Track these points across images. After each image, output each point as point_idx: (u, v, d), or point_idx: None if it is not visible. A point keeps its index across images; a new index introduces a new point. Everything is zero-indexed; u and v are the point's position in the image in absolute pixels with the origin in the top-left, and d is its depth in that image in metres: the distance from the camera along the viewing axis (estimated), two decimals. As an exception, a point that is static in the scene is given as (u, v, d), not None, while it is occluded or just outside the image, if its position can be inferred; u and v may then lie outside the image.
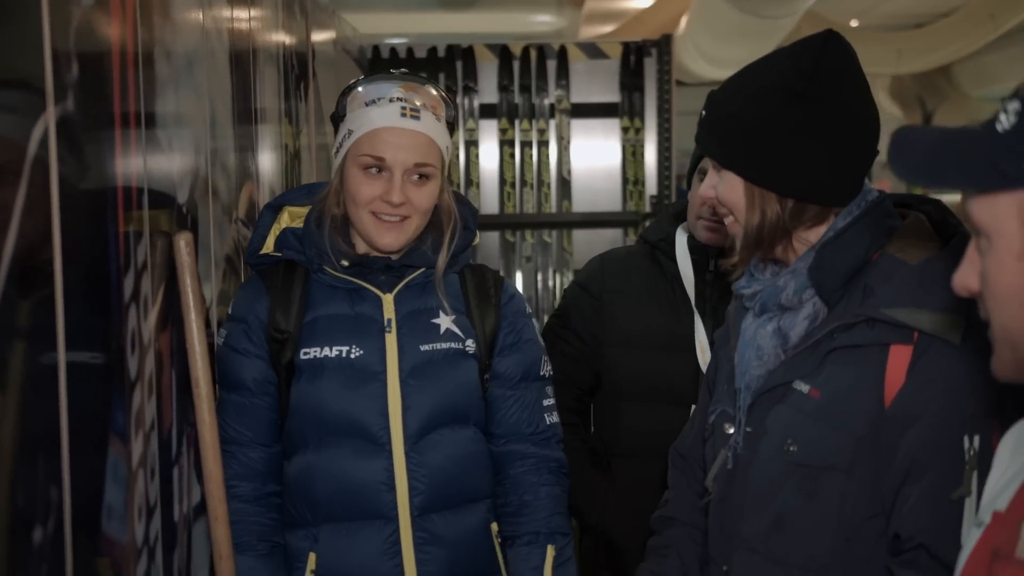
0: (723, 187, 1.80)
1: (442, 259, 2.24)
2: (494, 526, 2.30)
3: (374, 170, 2.16)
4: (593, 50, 4.65)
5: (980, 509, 1.31)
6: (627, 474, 2.76)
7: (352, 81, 2.24)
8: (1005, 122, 1.15)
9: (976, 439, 1.61)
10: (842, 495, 1.71)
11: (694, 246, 2.80)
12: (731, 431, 1.87)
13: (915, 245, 1.78)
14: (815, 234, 1.80)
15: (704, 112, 1.84)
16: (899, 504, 1.67)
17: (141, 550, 1.83)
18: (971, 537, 1.27)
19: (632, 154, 4.42)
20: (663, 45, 4.52)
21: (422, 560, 2.18)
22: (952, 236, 1.80)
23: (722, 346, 2.00)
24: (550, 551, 2.30)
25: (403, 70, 2.33)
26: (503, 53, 4.48)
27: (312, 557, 2.18)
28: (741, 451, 1.84)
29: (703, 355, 2.75)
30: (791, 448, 1.75)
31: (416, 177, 2.17)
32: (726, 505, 1.86)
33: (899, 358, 1.69)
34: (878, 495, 1.70)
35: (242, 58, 2.58)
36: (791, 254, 1.82)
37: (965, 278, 1.24)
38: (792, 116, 1.73)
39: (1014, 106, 1.15)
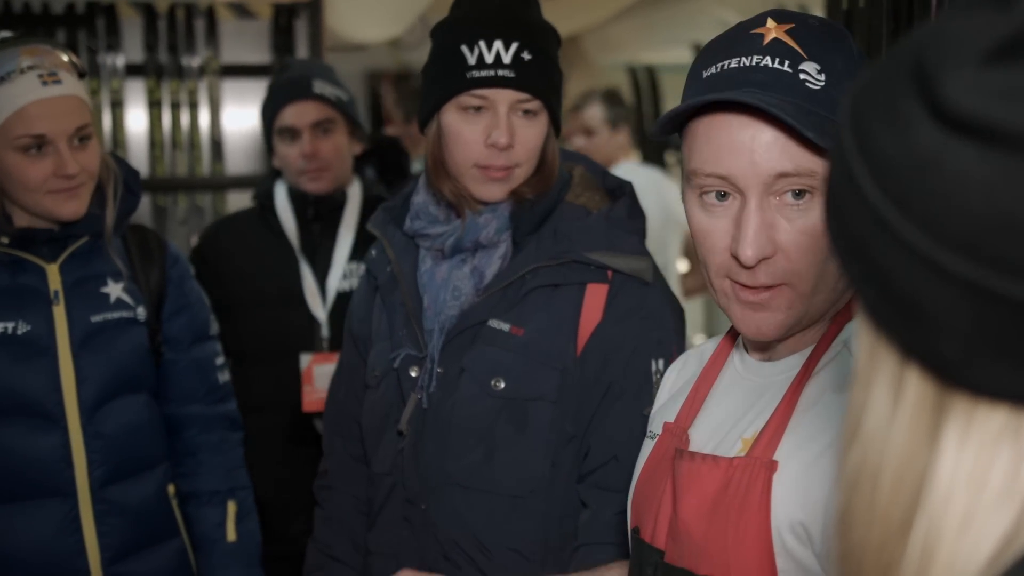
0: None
1: (110, 218, 2.17)
2: (171, 488, 2.29)
3: (34, 150, 2.05)
4: (242, 10, 4.58)
5: (651, 421, 1.48)
6: (254, 427, 2.73)
7: None
8: (814, 83, 1.18)
9: (660, 362, 1.81)
10: (550, 423, 1.83)
11: (295, 196, 2.90)
12: (415, 374, 1.92)
13: (589, 194, 1.95)
14: None
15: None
16: (597, 423, 1.82)
17: None
18: (646, 447, 1.45)
19: (285, 116, 4.40)
20: (314, 7, 4.53)
21: (103, 532, 2.13)
22: (611, 187, 1.96)
23: (388, 294, 2.00)
24: (231, 507, 2.32)
25: (5, 33, 2.18)
26: (148, 11, 4.34)
27: None
28: (434, 391, 1.90)
29: (314, 302, 2.84)
30: (498, 384, 1.84)
31: (78, 141, 2.09)
32: (423, 446, 1.91)
33: (595, 295, 1.84)
34: (577, 419, 1.84)
35: None
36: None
37: (763, 247, 1.19)
38: None
39: (811, 66, 1.18)
